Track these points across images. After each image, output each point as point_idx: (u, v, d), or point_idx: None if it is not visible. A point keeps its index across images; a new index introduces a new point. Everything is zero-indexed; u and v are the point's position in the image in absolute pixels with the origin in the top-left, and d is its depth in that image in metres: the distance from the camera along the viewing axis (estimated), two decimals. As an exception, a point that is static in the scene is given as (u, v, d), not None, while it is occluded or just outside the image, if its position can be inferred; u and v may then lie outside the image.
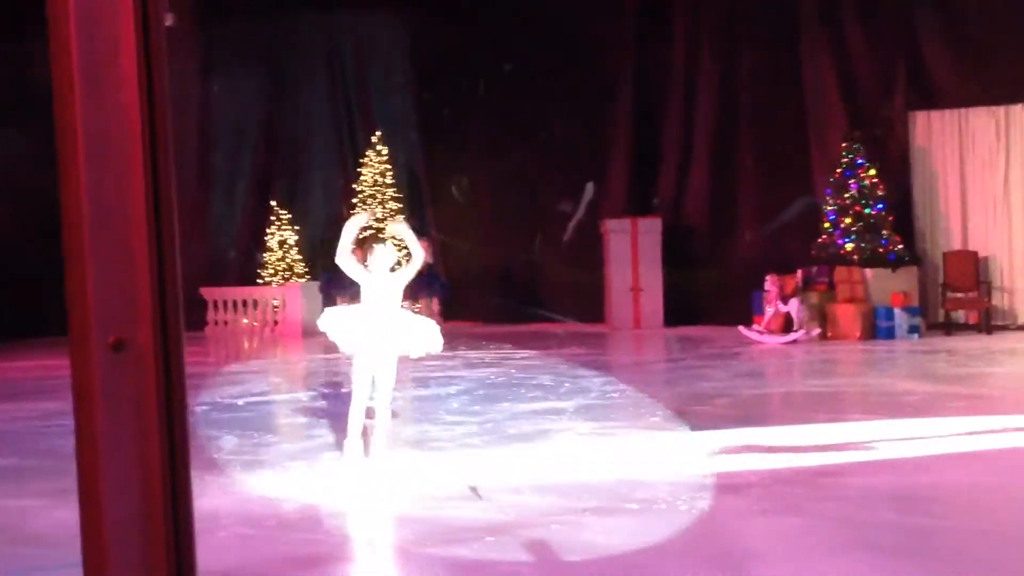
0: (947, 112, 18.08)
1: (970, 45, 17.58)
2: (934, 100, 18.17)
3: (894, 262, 17.16)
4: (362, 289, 7.79)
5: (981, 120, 17.89)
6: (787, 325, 16.91)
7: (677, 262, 19.31)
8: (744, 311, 17.49)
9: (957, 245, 17.85)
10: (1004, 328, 17.21)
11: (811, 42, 18.58)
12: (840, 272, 17.01)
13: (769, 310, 16.99)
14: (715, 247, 19.34)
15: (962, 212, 17.98)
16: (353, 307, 8.10)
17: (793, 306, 16.79)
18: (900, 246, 17.32)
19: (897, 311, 16.49)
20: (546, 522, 6.31)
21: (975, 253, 17.56)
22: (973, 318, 17.44)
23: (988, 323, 17.09)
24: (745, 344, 16.45)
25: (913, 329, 16.52)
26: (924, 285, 17.60)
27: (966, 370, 13.02)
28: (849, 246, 17.20)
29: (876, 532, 6.10)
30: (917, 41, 17.93)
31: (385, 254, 7.75)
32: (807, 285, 17.09)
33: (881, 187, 17.49)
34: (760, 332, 16.89)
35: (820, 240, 17.56)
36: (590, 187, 19.89)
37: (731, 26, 19.35)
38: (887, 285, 16.86)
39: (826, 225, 17.56)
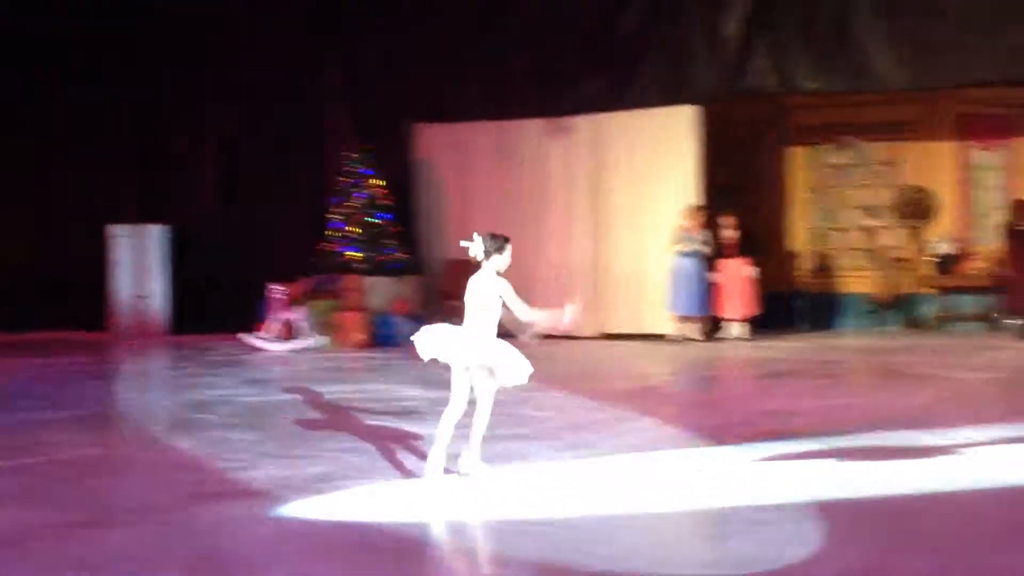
0: (449, 125, 18.63)
1: (470, 61, 18.15)
2: (438, 113, 18.69)
3: (398, 271, 17.55)
4: None
5: (481, 133, 18.55)
6: (292, 332, 16.94)
7: (184, 269, 18.96)
8: (251, 319, 17.36)
9: (457, 254, 18.34)
10: (504, 335, 17.88)
11: (320, 53, 18.68)
12: (345, 280, 17.21)
13: (274, 318, 16.96)
14: (223, 254, 19.06)
15: (462, 222, 18.55)
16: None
17: (298, 313, 16.84)
18: (403, 255, 17.74)
19: (399, 319, 16.87)
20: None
21: (475, 262, 18.15)
22: (472, 325, 18.06)
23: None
24: (250, 352, 16.35)
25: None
26: (426, 293, 18.10)
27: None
28: (354, 255, 17.43)
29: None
30: (421, 54, 18.34)
31: None
32: (312, 293, 17.17)
33: (385, 197, 17.85)
34: (265, 339, 16.82)
35: (326, 248, 17.71)
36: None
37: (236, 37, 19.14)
38: (391, 293, 17.22)
39: (331, 233, 17.72)
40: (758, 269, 17.24)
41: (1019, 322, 16.45)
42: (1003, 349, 14.96)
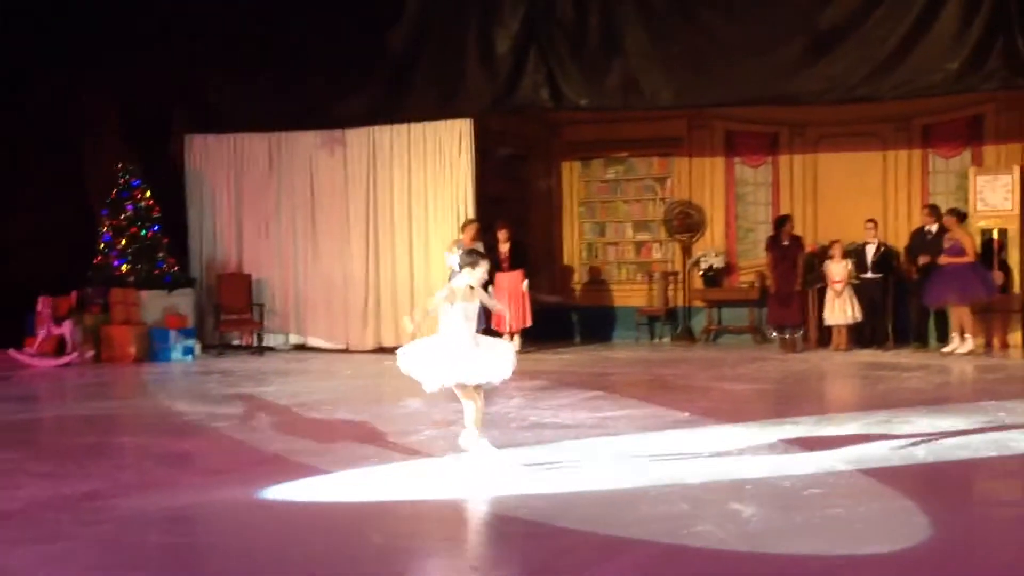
0: (223, 136, 18.39)
1: (243, 71, 17.91)
2: (210, 124, 18.42)
3: (169, 284, 17.25)
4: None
5: (255, 145, 18.36)
6: (60, 348, 16.48)
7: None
8: (17, 334, 16.80)
9: (232, 267, 18.20)
10: (275, 349, 17.79)
11: (91, 63, 18.15)
12: (115, 294, 16.83)
13: (42, 332, 16.46)
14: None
15: (236, 235, 18.36)
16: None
17: (66, 328, 16.39)
18: (175, 268, 17.45)
19: (172, 333, 16.60)
20: None
21: (248, 276, 18.01)
22: (246, 339, 17.92)
23: (261, 344, 17.64)
24: (16, 368, 15.84)
25: (188, 351, 16.70)
26: (200, 307, 17.83)
27: (237, 390, 13.28)
28: (124, 267, 17.07)
29: (142, 553, 6.10)
30: (194, 65, 18.05)
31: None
32: (81, 307, 16.73)
33: (156, 209, 17.53)
34: (32, 355, 16.32)
35: (95, 261, 17.28)
36: None
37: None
38: (163, 307, 16.92)
39: (101, 246, 17.31)
40: (530, 281, 17.43)
41: (782, 334, 17.06)
42: (768, 360, 15.47)
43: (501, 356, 8.25)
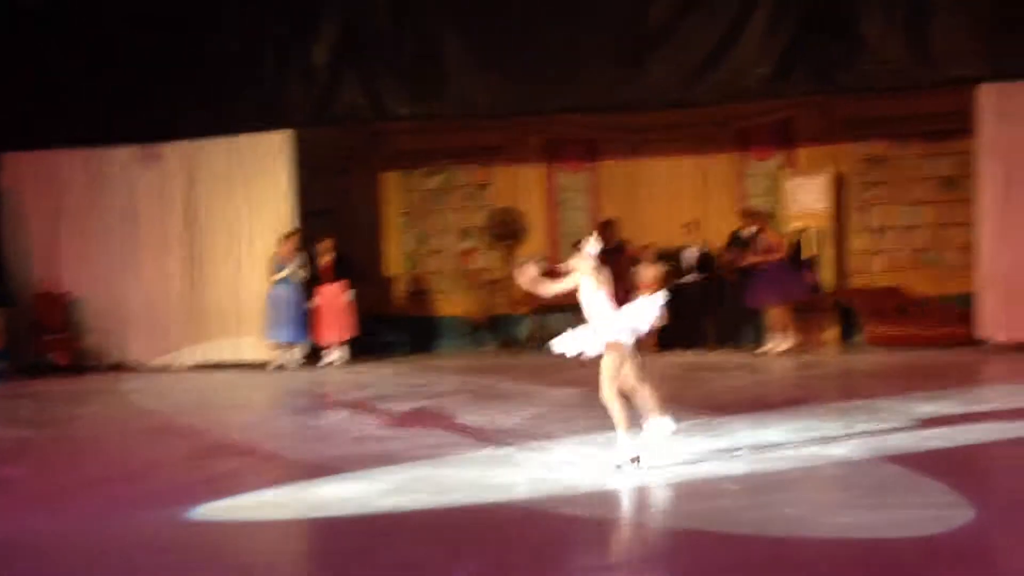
0: (37, 153, 17.88)
1: (57, 87, 17.46)
2: (23, 141, 17.88)
3: (-15, 303, 16.78)
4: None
5: (71, 162, 17.90)
6: None
7: None
8: None
9: (49, 287, 17.71)
10: (95, 369, 17.37)
11: None
12: (-74, 315, 16.31)
13: None
14: None
15: (54, 253, 17.88)
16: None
17: None
18: (-10, 287, 16.99)
19: (-13, 353, 16.16)
20: None
21: (66, 295, 17.58)
22: (64, 359, 17.45)
23: (79, 364, 17.21)
24: None
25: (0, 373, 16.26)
26: (15, 327, 17.30)
27: (52, 413, 12.94)
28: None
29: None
30: (7, 80, 17.51)
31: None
32: None
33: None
34: None
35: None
36: None
37: None
38: (-23, 328, 16.43)
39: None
40: (354, 292, 17.35)
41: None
42: (590, 366, 15.57)
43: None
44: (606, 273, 8.49)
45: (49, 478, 8.90)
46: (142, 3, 17.09)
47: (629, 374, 8.33)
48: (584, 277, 8.42)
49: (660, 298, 8.48)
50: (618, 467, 8.15)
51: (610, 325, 8.27)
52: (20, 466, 9.45)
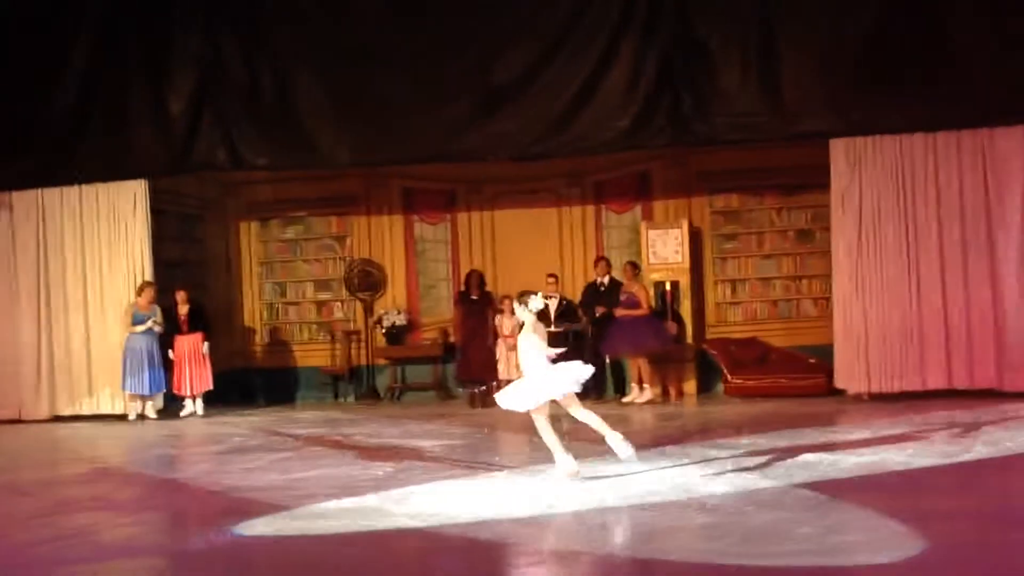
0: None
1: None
2: None
3: None
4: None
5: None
6: None
7: None
8: None
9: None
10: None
11: None
12: None
13: None
14: None
15: None
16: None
17: None
18: None
19: None
20: None
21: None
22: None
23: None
24: None
25: None
26: None
27: None
28: None
29: None
30: None
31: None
32: None
33: None
34: None
35: None
36: None
37: None
38: None
39: None
40: (209, 344, 17.07)
41: (471, 389, 17.13)
42: (455, 416, 15.52)
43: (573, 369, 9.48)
44: (541, 329, 9.56)
45: None
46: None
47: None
48: (528, 333, 9.42)
49: (588, 370, 9.45)
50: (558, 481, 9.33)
51: (551, 382, 9.30)
52: None
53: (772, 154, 17.00)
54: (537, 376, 9.36)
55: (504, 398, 9.54)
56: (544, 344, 9.44)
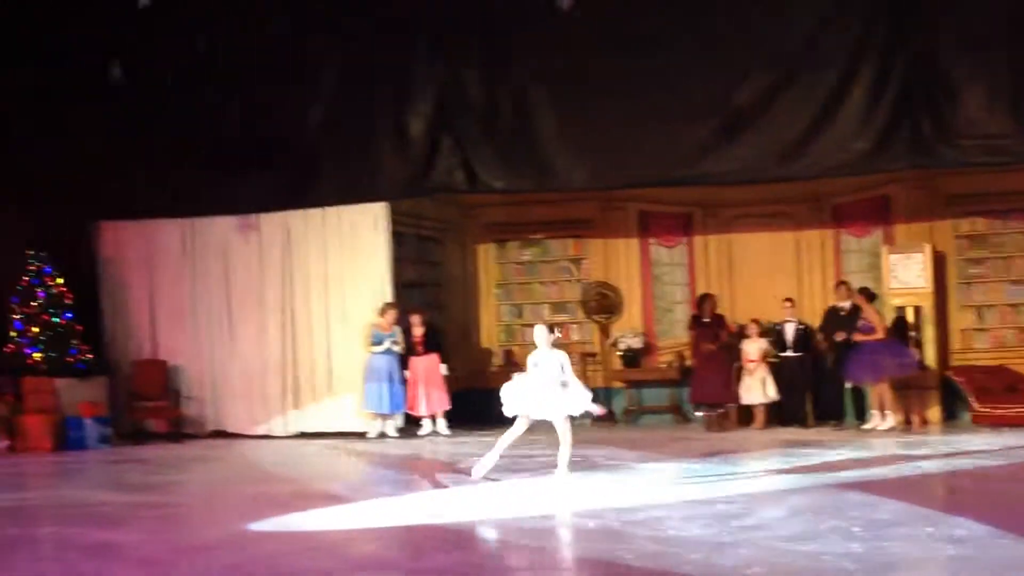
0: (136, 223, 18.17)
1: (155, 158, 17.70)
2: (122, 211, 18.16)
3: (83, 371, 16.96)
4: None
5: (168, 231, 18.17)
6: (-27, 438, 16.13)
7: None
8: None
9: (147, 354, 17.94)
10: (194, 436, 17.50)
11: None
12: (29, 382, 16.53)
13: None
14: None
15: (151, 321, 18.12)
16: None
17: (-22, 418, 16.05)
18: (90, 355, 17.16)
19: (87, 421, 16.30)
20: None
21: (164, 362, 17.77)
22: (163, 426, 17.62)
23: (178, 431, 17.35)
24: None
25: (104, 439, 16.39)
26: (115, 394, 17.50)
27: (159, 479, 13.05)
28: (37, 355, 16.75)
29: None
30: (106, 152, 17.83)
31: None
32: (-6, 396, 16.39)
33: (69, 296, 17.27)
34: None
35: (7, 349, 16.94)
36: None
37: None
38: (77, 395, 16.60)
39: (13, 334, 16.97)
40: (447, 365, 17.38)
41: (706, 412, 17.07)
42: (693, 440, 15.47)
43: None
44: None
45: (155, 543, 8.93)
46: (240, 77, 17.32)
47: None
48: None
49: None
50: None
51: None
52: (127, 531, 9.49)
53: (1020, 176, 16.47)
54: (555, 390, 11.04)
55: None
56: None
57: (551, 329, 11.46)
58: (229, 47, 17.15)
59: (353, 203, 17.43)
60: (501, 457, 11.58)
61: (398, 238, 17.81)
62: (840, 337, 16.52)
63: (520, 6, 16.28)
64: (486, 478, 11.32)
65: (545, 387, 11.04)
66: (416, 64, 16.87)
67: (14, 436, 16.30)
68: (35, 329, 16.89)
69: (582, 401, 11.05)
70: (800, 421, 16.87)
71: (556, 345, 11.39)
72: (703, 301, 17.49)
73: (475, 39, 16.73)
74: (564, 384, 11.05)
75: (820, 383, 17.25)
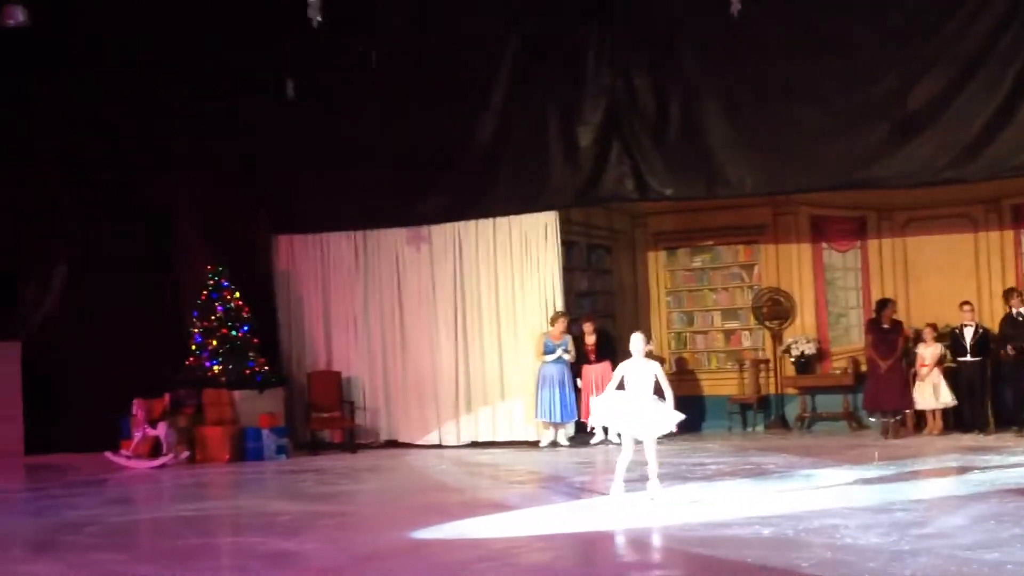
0: (309, 236, 18.56)
1: (328, 171, 18.05)
2: (295, 224, 18.59)
3: (260, 383, 17.32)
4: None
5: (341, 244, 18.50)
6: (156, 449, 16.57)
7: (37, 387, 18.35)
8: (112, 436, 16.89)
9: (321, 366, 18.27)
10: (368, 446, 17.76)
11: (175, 166, 18.32)
12: (208, 395, 16.92)
13: (137, 434, 16.58)
14: (78, 371, 18.40)
15: (325, 333, 18.46)
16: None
17: (161, 430, 16.48)
18: (266, 367, 17.53)
19: (265, 432, 16.62)
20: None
21: (338, 373, 18.08)
22: (338, 437, 17.93)
23: (353, 442, 17.63)
24: (113, 470, 15.95)
25: (281, 449, 16.70)
26: (291, 405, 17.88)
27: (334, 488, 13.27)
28: (216, 368, 17.16)
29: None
30: (280, 167, 18.29)
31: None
32: (175, 408, 16.79)
33: (246, 309, 17.67)
34: (128, 457, 16.45)
35: (187, 363, 17.40)
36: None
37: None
38: (255, 407, 16.97)
39: (193, 347, 17.43)
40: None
41: (882, 419, 16.73)
42: (868, 447, 15.16)
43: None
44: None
45: (332, 552, 9.07)
46: (408, 95, 17.52)
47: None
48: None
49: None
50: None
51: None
52: (307, 540, 9.66)
53: None
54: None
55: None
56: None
57: (647, 339, 11.39)
58: (401, 62, 17.36)
59: (524, 213, 17.52)
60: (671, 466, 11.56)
61: (568, 247, 17.88)
62: (1016, 344, 16.08)
63: (688, 11, 16.19)
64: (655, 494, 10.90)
65: (639, 402, 10.79)
66: (585, 73, 16.89)
67: (194, 447, 16.73)
68: (214, 342, 17.31)
69: (674, 415, 10.81)
70: (980, 427, 16.41)
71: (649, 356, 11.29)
72: (883, 306, 17.09)
73: (644, 46, 16.69)
74: (658, 396, 10.82)
75: (1000, 388, 16.76)
